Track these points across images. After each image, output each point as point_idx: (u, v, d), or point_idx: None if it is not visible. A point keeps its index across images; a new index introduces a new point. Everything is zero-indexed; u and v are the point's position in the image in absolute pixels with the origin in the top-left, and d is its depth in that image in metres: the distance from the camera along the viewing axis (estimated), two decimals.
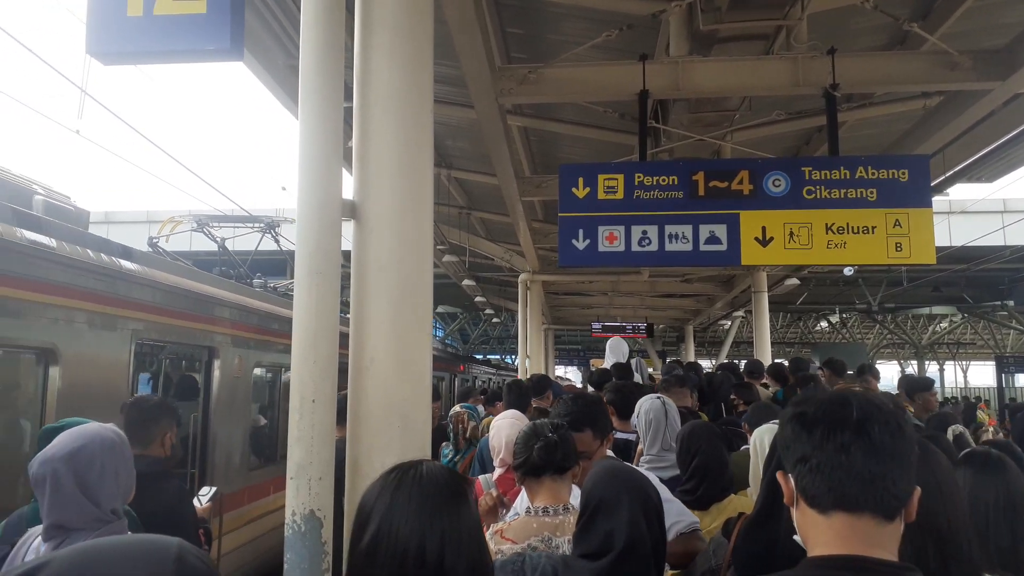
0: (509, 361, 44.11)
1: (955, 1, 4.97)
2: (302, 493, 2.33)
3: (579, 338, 36.45)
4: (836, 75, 4.89)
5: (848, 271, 17.64)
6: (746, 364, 7.72)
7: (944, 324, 32.89)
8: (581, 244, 5.00)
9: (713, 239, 4.93)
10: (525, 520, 2.30)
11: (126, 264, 5.66)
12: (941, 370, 39.28)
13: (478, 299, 19.59)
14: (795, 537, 1.42)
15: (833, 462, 1.26)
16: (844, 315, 29.24)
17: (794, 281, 15.00)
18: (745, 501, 2.97)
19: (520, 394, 5.25)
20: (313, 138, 2.40)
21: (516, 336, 31.45)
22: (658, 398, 3.74)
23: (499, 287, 19.97)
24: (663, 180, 4.96)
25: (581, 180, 5.02)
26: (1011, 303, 23.35)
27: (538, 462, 2.32)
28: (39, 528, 2.15)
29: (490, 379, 28.76)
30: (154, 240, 9.67)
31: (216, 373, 7.14)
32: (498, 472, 3.53)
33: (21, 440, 4.84)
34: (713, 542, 2.24)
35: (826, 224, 4.80)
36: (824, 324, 33.32)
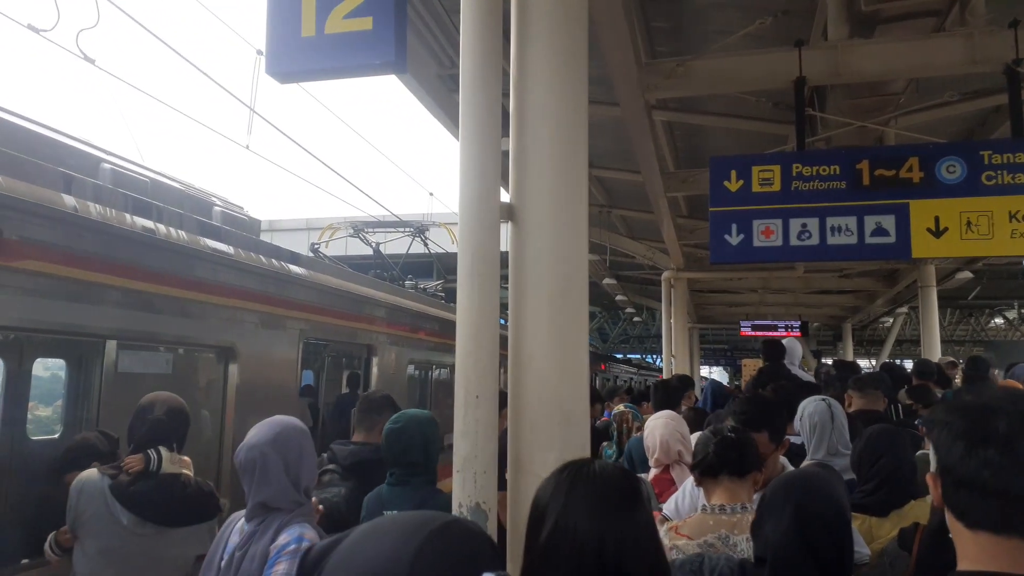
0: (650, 360, 43.47)
1: None
2: (468, 486, 2.42)
3: (725, 337, 35.26)
4: (1020, 50, 4.45)
5: None
6: (915, 364, 7.18)
7: None
8: (734, 239, 4.84)
9: (880, 231, 4.63)
10: (701, 517, 2.28)
11: (294, 268, 6.09)
12: None
13: (619, 298, 19.42)
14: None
15: (976, 479, 1.15)
16: (1022, 311, 26.57)
17: (967, 275, 13.79)
18: (924, 508, 2.77)
19: (668, 393, 5.18)
20: (472, 143, 2.49)
21: (657, 335, 30.96)
22: (823, 400, 3.56)
23: (640, 285, 19.70)
24: (823, 170, 4.71)
25: (734, 173, 4.86)
26: None
27: (714, 461, 2.29)
28: (242, 512, 2.38)
29: (631, 379, 28.48)
30: (315, 246, 10.35)
31: (374, 370, 7.53)
32: (653, 472, 3.51)
33: (206, 429, 5.32)
34: (888, 555, 2.12)
35: (1009, 212, 4.38)
36: (999, 321, 30.45)
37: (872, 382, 4.80)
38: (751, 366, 17.86)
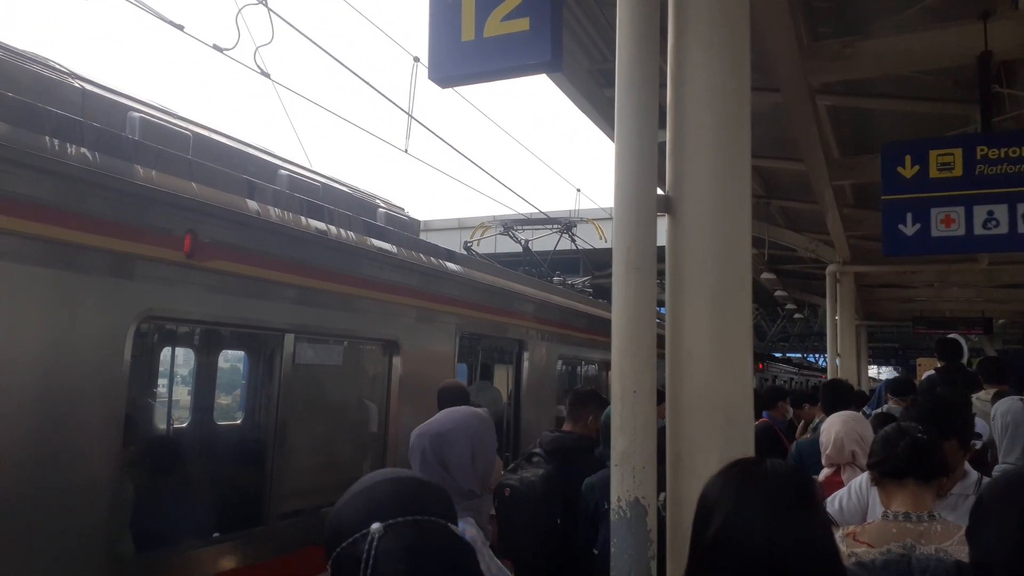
0: (812, 360, 41.18)
1: None
2: (626, 480, 2.41)
3: (895, 335, 32.78)
4: None
5: None
6: None
7: None
8: (910, 229, 4.53)
9: None
10: (882, 524, 2.15)
11: (450, 265, 6.31)
12: None
13: (778, 293, 18.55)
14: None
15: None
16: None
17: None
18: None
19: (838, 395, 4.90)
20: (628, 135, 2.48)
21: (819, 333, 29.23)
22: (1020, 399, 3.27)
23: (801, 280, 18.70)
24: (1013, 152, 4.31)
25: (908, 158, 4.54)
26: None
27: (902, 462, 2.15)
28: None
29: (791, 379, 27.15)
30: (468, 244, 10.67)
31: (525, 364, 7.66)
32: (824, 473, 3.35)
33: (371, 416, 5.63)
34: None
35: None
36: None
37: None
38: (927, 365, 16.50)
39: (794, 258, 14.91)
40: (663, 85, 2.65)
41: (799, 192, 9.97)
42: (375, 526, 1.32)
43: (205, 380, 6.02)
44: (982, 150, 4.40)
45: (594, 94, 6.78)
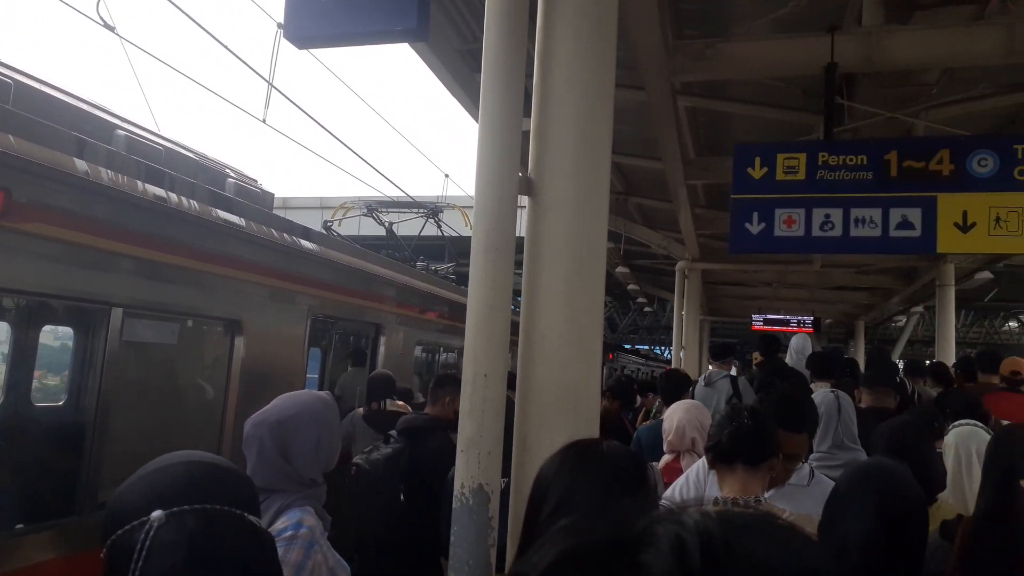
0: (658, 352, 43.28)
1: None
2: (471, 466, 2.33)
3: (735, 330, 35.05)
4: None
5: None
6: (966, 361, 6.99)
7: None
8: (755, 228, 4.73)
9: (905, 224, 4.50)
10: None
11: (305, 243, 6.01)
12: None
13: (631, 287, 19.28)
14: None
15: None
16: None
17: (986, 275, 13.58)
18: (951, 507, 2.68)
19: (674, 384, 5.09)
20: (494, 112, 2.39)
21: (667, 326, 30.72)
22: (832, 391, 3.51)
23: (653, 275, 19.54)
24: (850, 160, 4.59)
25: (758, 160, 4.74)
26: None
27: (728, 447, 2.20)
28: None
29: (639, 369, 28.38)
30: (328, 224, 10.28)
31: (382, 349, 7.46)
32: (664, 460, 3.44)
33: (207, 401, 5.27)
34: (929, 546, 2.03)
35: None
36: (1013, 324, 30.12)
37: (881, 379, 4.72)
38: (757, 359, 17.69)
39: (648, 254, 15.52)
40: (530, 74, 2.58)
41: (655, 190, 10.35)
42: (156, 514, 1.19)
43: (22, 357, 5.40)
44: (823, 156, 4.66)
45: (464, 76, 6.67)
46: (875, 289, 17.07)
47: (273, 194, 6.69)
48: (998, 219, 4.28)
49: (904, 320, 22.64)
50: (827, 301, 19.76)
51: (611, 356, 24.99)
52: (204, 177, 5.35)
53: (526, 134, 2.58)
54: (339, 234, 9.33)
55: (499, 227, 2.34)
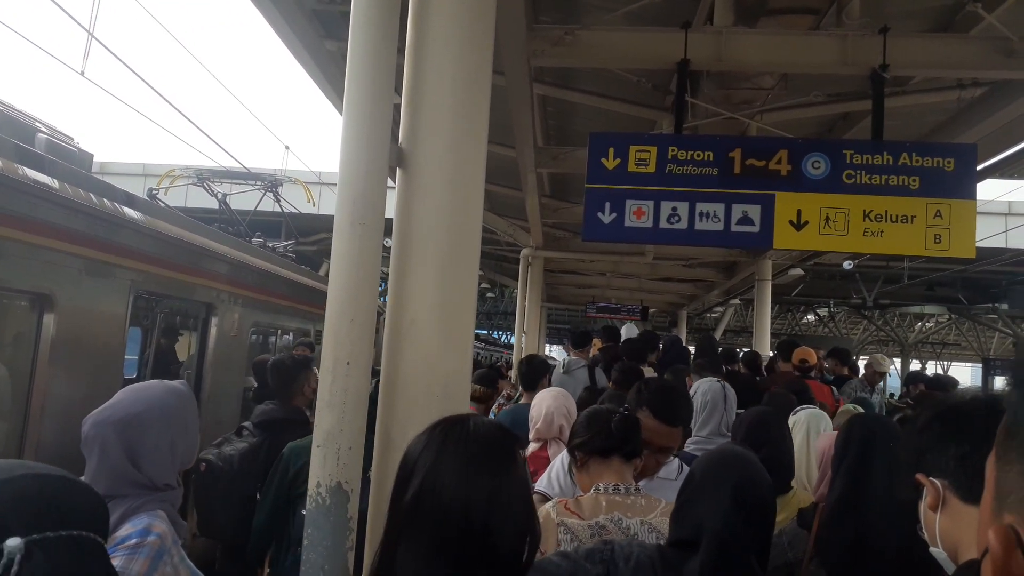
0: (496, 336, 44.01)
1: None
2: (329, 463, 2.14)
3: (568, 317, 36.31)
4: (887, 55, 4.67)
5: (847, 265, 17.58)
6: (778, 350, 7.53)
7: (930, 324, 33.03)
8: (607, 218, 4.79)
9: (746, 220, 4.73)
10: (593, 497, 2.13)
11: (128, 211, 5.42)
12: (923, 368, 39.48)
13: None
14: (932, 549, 1.26)
15: None
16: (833, 309, 29.26)
17: (798, 271, 14.87)
18: (805, 497, 2.82)
19: (534, 368, 5.09)
20: (362, 75, 2.17)
21: (506, 312, 31.22)
22: (719, 381, 3.63)
23: (496, 261, 19.74)
24: (698, 155, 4.75)
25: (612, 151, 4.80)
26: (1004, 306, 23.37)
27: (615, 439, 2.15)
28: None
29: (478, 353, 28.68)
30: (153, 191, 9.40)
31: (213, 330, 6.93)
32: (531, 448, 3.38)
33: (7, 388, 4.62)
34: (787, 534, 2.09)
35: (864, 211, 4.61)
36: (811, 317, 33.35)
37: (711, 366, 5.00)
38: (598, 345, 18.39)
39: (492, 239, 15.62)
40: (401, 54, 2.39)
41: (503, 177, 10.37)
42: (13, 542, 0.93)
43: None
44: (673, 150, 4.79)
45: (311, 41, 6.25)
46: (699, 281, 18.21)
47: (92, 155, 5.98)
48: (827, 219, 4.60)
49: (722, 311, 24.44)
50: (655, 291, 20.89)
51: None
52: (9, 130, 4.67)
53: (397, 107, 2.40)
54: (167, 204, 8.56)
55: (366, 198, 2.14)
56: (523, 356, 6.53)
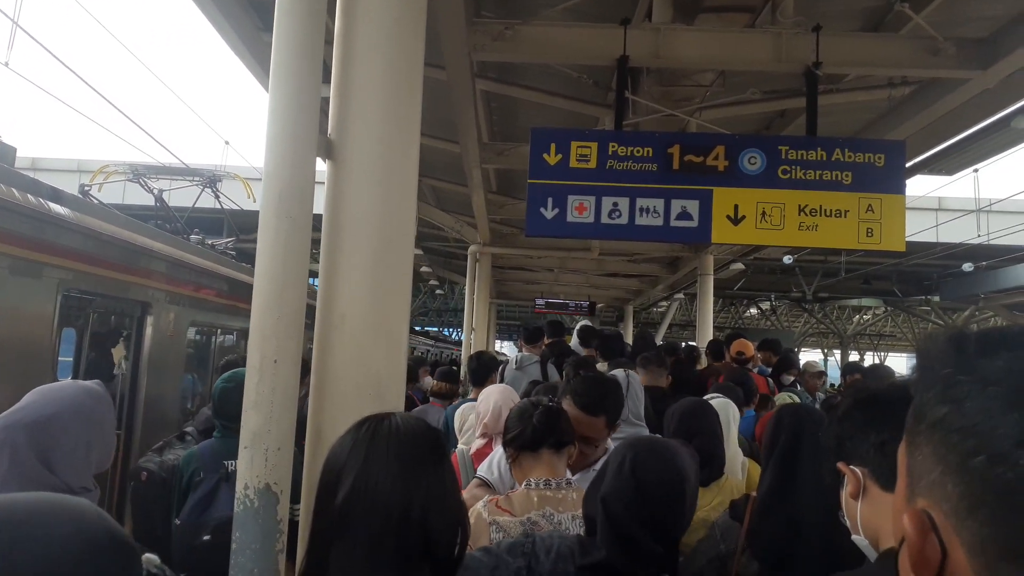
0: (447, 333, 43.84)
1: None
2: (257, 464, 2.08)
3: (518, 313, 36.39)
4: (819, 53, 4.78)
5: (787, 259, 18.02)
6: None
7: (867, 316, 34.11)
8: (550, 213, 4.79)
9: (684, 215, 4.78)
10: (524, 493, 2.12)
11: (55, 208, 5.21)
12: (862, 359, 40.78)
13: (423, 269, 19.24)
14: (854, 537, 1.28)
15: None
16: (775, 303, 29.99)
17: (739, 266, 15.17)
18: (737, 483, 2.87)
19: (483, 364, 5.08)
20: (288, 63, 2.11)
21: (456, 309, 31.12)
22: (624, 371, 3.66)
23: (444, 258, 19.65)
24: (637, 151, 4.78)
25: (553, 146, 4.80)
26: (936, 298, 24.29)
27: (539, 431, 2.14)
28: None
29: (428, 351, 28.53)
30: (85, 188, 9.07)
31: (149, 330, 6.72)
32: (477, 444, 3.34)
33: None
34: (719, 527, 2.11)
35: (799, 205, 4.70)
36: (754, 311, 34.12)
37: (656, 360, 5.06)
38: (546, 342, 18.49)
39: (440, 236, 15.53)
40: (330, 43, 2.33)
41: (449, 172, 10.31)
42: None
43: None
44: (613, 146, 4.81)
45: (249, 33, 6.11)
46: (644, 276, 18.44)
47: (15, 148, 5.73)
48: (764, 213, 4.68)
49: (667, 305, 24.82)
50: (601, 287, 21.08)
51: None
52: None
53: (326, 100, 2.34)
54: (100, 200, 8.26)
55: (293, 191, 2.08)
56: (472, 352, 6.51)
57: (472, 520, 2.07)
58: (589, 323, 8.44)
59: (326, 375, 2.19)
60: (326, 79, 2.33)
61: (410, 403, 6.31)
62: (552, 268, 17.78)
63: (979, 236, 15.69)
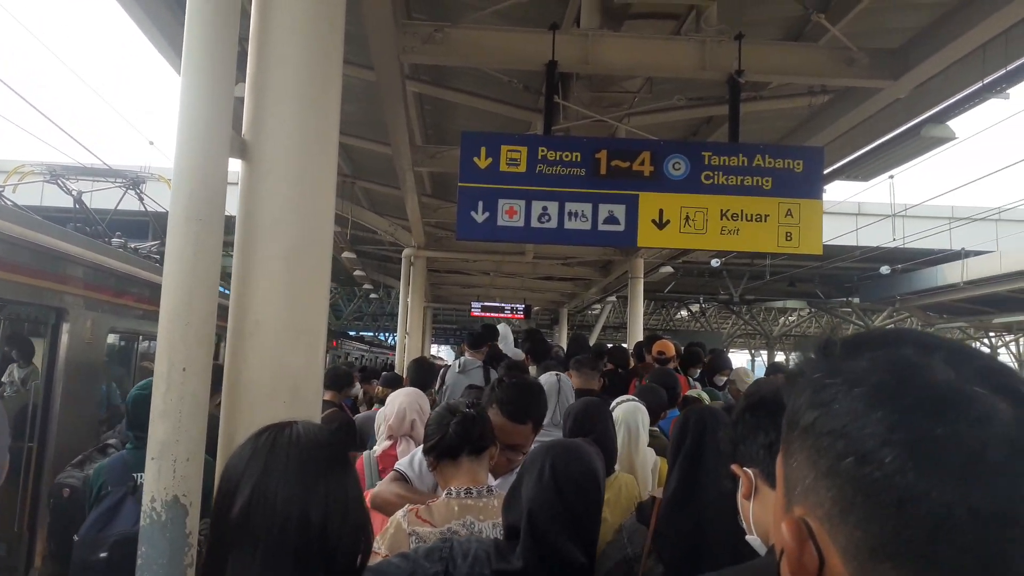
0: (383, 338, 43.38)
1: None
2: (165, 476, 2.00)
3: (455, 317, 36.30)
4: (742, 62, 4.91)
5: (715, 263, 18.50)
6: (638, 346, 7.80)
7: (792, 317, 35.26)
8: (480, 217, 4.79)
9: (612, 219, 4.84)
10: (445, 502, 2.10)
11: None
12: (788, 359, 42.11)
13: (357, 273, 18.99)
14: (748, 537, 1.31)
15: None
16: (704, 305, 30.76)
17: (668, 269, 15.47)
18: (628, 478, 2.96)
19: (422, 371, 5.05)
20: (200, 58, 2.04)
21: (392, 313, 30.85)
22: (554, 374, 3.71)
23: (379, 261, 19.44)
24: (566, 156, 4.82)
25: (484, 150, 4.79)
26: (856, 300, 25.31)
27: (455, 440, 2.13)
28: None
29: (362, 356, 28.18)
30: None
31: (65, 338, 6.43)
32: (382, 446, 3.34)
33: None
34: (627, 530, 2.13)
35: (721, 210, 4.82)
36: (684, 313, 34.91)
37: (589, 363, 5.13)
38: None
39: (375, 240, 15.37)
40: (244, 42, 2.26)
41: (383, 175, 10.20)
42: None
43: None
44: (543, 151, 4.84)
45: (166, 23, 5.90)
46: (578, 279, 18.63)
47: None
48: (688, 218, 4.78)
49: (600, 308, 25.16)
50: (537, 290, 21.21)
51: (334, 343, 24.49)
52: None
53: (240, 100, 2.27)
54: (13, 202, 7.87)
55: (205, 192, 2.01)
56: (413, 358, 6.48)
57: (392, 530, 2.04)
58: (490, 325, 8.51)
59: (239, 383, 2.13)
60: (242, 77, 2.27)
61: (340, 413, 6.20)
62: (488, 271, 17.79)
63: (895, 240, 16.40)
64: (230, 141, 2.09)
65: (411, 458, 2.78)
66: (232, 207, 2.14)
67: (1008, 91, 5.51)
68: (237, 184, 2.29)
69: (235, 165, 2.29)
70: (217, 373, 2.21)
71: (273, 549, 1.26)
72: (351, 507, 1.35)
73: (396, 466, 2.79)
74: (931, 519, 0.55)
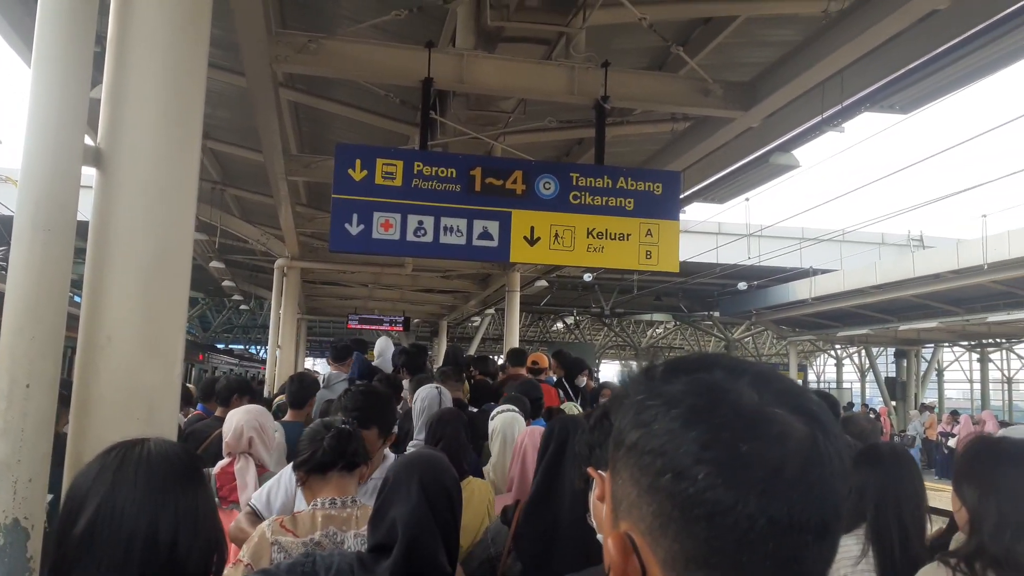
0: (254, 351, 41.76)
1: (710, 35, 5.52)
2: (4, 498, 1.89)
3: (332, 330, 35.49)
4: (607, 88, 5.16)
5: (587, 277, 19.13)
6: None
7: (660, 330, 36.88)
8: (355, 229, 4.77)
9: (486, 235, 4.95)
10: (309, 513, 2.10)
11: None
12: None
13: (226, 283, 18.23)
14: (599, 536, 1.41)
15: None
16: (578, 317, 31.67)
17: (543, 283, 15.84)
18: (480, 483, 3.08)
19: (304, 386, 4.92)
20: (51, 60, 1.95)
21: (264, 325, 29.83)
22: (436, 387, 3.78)
23: (250, 272, 18.76)
24: (442, 172, 4.89)
25: (359, 162, 4.78)
26: (717, 314, 26.84)
27: (328, 455, 2.13)
28: None
29: (231, 369, 27.03)
30: None
31: None
32: (221, 463, 3.28)
33: None
34: (491, 531, 2.21)
35: (588, 229, 5.03)
36: (560, 325, 35.78)
37: (454, 374, 5.28)
38: (371, 356, 18.18)
39: (245, 249, 14.84)
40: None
41: (255, 183, 9.90)
42: None
43: None
44: (419, 166, 4.89)
45: (16, 16, 5.53)
46: (457, 292, 18.71)
47: None
48: (557, 235, 4.96)
49: (479, 320, 25.37)
50: (416, 302, 21.11)
51: (201, 357, 23.34)
52: None
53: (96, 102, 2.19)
54: None
55: (54, 201, 1.92)
56: (293, 373, 6.30)
57: (256, 540, 2.03)
58: (358, 339, 8.51)
59: (88, 400, 2.04)
60: (99, 81, 2.19)
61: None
62: (366, 283, 17.55)
63: (751, 258, 17.57)
64: (83, 149, 2.01)
65: (261, 493, 2.77)
66: (86, 210, 2.06)
67: (843, 125, 6.08)
68: (91, 188, 2.21)
69: (91, 169, 2.20)
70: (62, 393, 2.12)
71: (118, 565, 1.23)
72: (203, 523, 1.33)
73: (251, 501, 2.76)
74: (738, 530, 0.60)
